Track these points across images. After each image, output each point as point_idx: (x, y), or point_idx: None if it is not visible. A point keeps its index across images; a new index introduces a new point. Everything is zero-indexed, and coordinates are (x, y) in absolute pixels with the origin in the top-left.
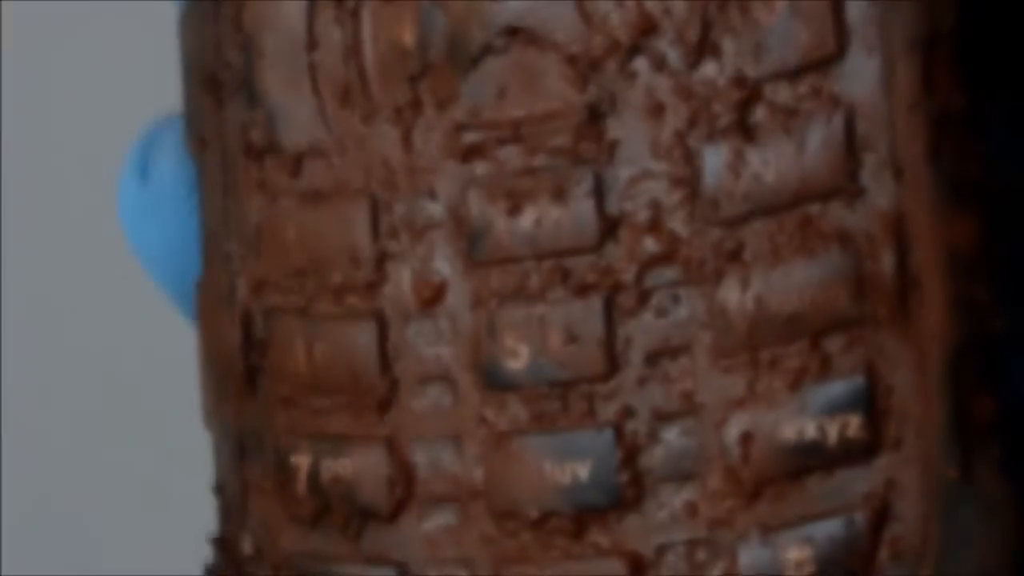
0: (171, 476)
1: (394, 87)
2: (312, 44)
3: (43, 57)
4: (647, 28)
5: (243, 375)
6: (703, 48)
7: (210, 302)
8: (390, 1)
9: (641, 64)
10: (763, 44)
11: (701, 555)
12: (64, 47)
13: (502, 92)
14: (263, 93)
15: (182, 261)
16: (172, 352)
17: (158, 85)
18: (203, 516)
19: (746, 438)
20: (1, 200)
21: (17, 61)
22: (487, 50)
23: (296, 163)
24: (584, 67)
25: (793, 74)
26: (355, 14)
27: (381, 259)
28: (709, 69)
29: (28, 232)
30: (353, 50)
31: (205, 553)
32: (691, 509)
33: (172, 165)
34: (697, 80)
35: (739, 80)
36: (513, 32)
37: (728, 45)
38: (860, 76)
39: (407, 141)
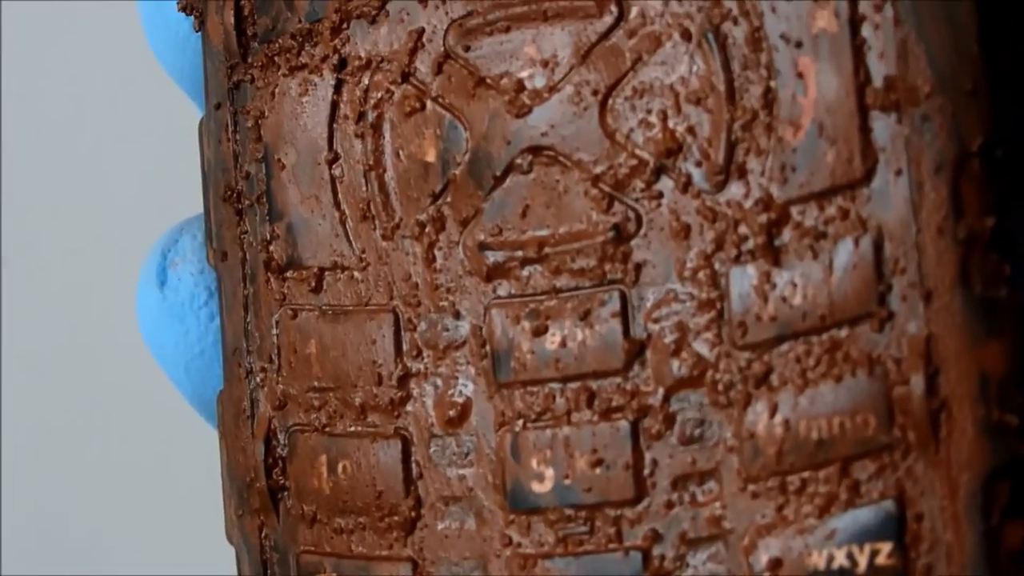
0: (169, 476)
1: (416, 203)
2: (333, 158)
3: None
4: (672, 148)
5: (266, 491)
6: (729, 168)
7: (232, 416)
8: (411, 116)
9: (666, 184)
10: (789, 164)
11: None
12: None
13: (525, 211)
14: (283, 207)
15: (202, 368)
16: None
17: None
18: (203, 516)
19: (775, 564)
20: (1, 200)
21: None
22: (510, 168)
23: (318, 278)
24: (609, 186)
25: (820, 196)
26: (376, 128)
27: (404, 377)
28: (735, 190)
29: (28, 231)
30: (375, 165)
31: (204, 553)
32: None
33: (191, 271)
34: (723, 201)
35: (766, 202)
36: (536, 150)
37: (754, 165)
38: (888, 198)
39: (430, 258)
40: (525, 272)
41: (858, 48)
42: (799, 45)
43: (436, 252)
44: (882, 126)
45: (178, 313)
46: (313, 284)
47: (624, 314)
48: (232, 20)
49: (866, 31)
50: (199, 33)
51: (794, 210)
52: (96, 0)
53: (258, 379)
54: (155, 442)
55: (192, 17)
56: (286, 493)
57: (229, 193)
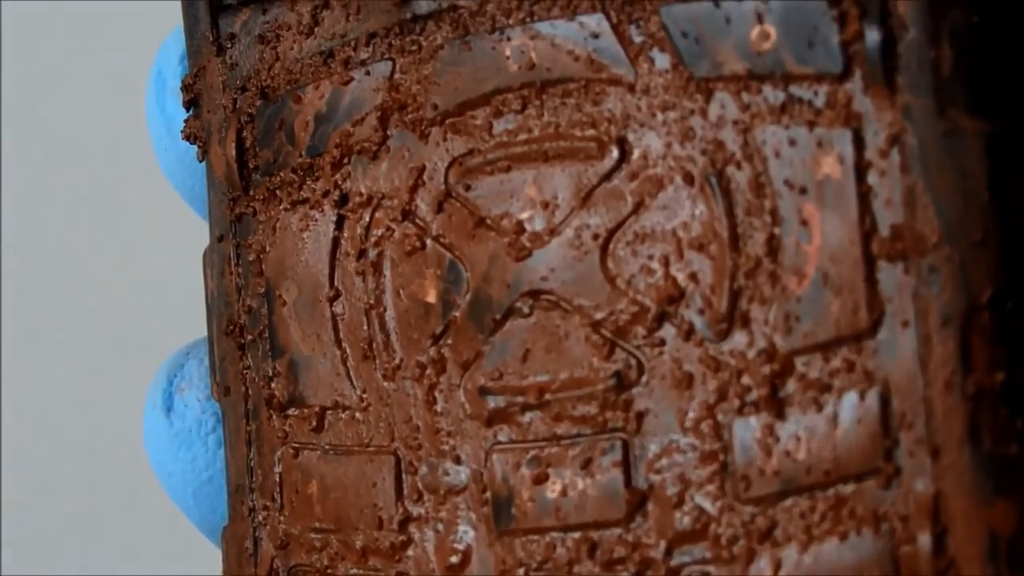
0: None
1: (417, 344)
2: (334, 295)
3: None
4: (674, 295)
5: None
6: (732, 317)
7: (235, 554)
8: (412, 255)
9: (668, 332)
10: (794, 314)
11: None
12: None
13: (526, 355)
14: (285, 343)
15: (211, 494)
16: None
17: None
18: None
19: None
20: (1, 200)
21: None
22: (510, 312)
23: (319, 417)
24: (610, 333)
25: (825, 347)
26: (377, 267)
27: (405, 521)
28: (738, 340)
29: (27, 231)
30: (375, 304)
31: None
32: None
33: (198, 397)
34: (726, 351)
35: (770, 352)
36: (536, 294)
37: (757, 314)
38: (895, 351)
39: (430, 401)
40: (526, 418)
41: (864, 195)
42: (803, 191)
43: (437, 395)
44: (889, 276)
45: (185, 440)
46: (315, 423)
47: (626, 464)
48: (234, 152)
49: (872, 178)
50: (202, 162)
51: (798, 361)
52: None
53: (260, 517)
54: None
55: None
56: None
57: (231, 327)
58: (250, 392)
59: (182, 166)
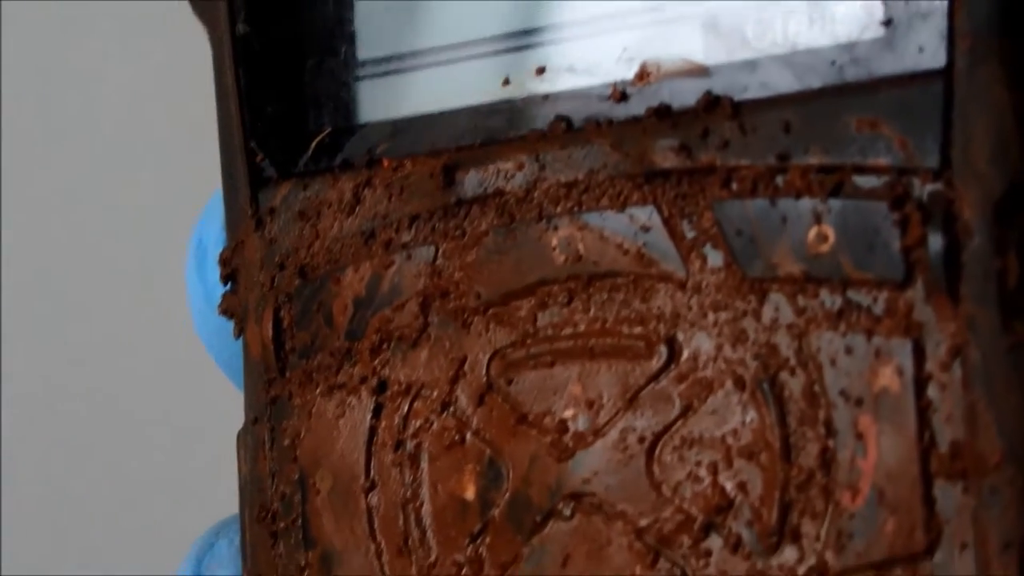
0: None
1: (454, 543)
2: (370, 486)
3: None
4: (722, 505)
5: None
6: (782, 531)
7: None
8: (450, 449)
9: (715, 542)
10: (847, 531)
11: None
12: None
13: (566, 560)
14: (318, 534)
15: None
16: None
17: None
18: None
19: None
20: (1, 200)
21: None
22: (551, 514)
23: None
24: (654, 541)
25: (879, 567)
26: (414, 459)
27: None
28: (788, 555)
29: (28, 229)
30: (412, 498)
31: None
32: None
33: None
34: (775, 565)
35: (820, 570)
36: (579, 497)
37: (809, 529)
38: (952, 574)
39: None
40: None
41: (923, 410)
42: (859, 403)
43: None
44: (947, 496)
45: None
46: None
47: None
48: (270, 333)
49: (932, 392)
50: (238, 339)
51: None
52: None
53: None
54: (155, 442)
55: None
56: None
57: (263, 514)
58: None
59: (220, 338)
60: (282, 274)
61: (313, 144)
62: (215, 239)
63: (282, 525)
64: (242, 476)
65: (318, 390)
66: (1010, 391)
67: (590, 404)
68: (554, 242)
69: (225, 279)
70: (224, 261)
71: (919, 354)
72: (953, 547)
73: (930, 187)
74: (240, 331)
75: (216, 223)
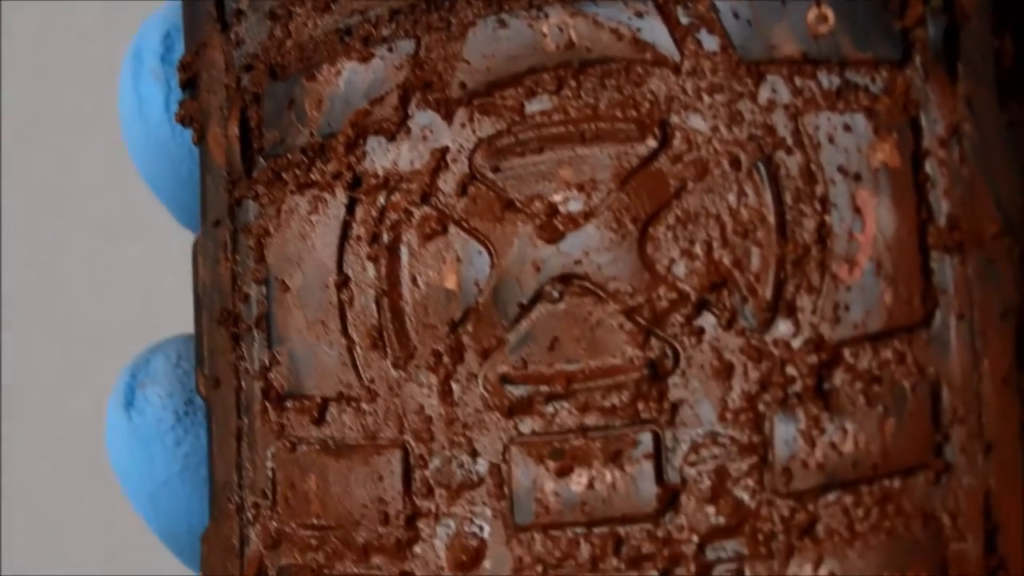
0: None
1: (433, 332)
2: (343, 281)
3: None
4: (716, 281)
5: None
6: (777, 306)
7: (218, 555)
8: (431, 239)
9: (708, 320)
10: (843, 304)
11: None
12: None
13: (553, 343)
14: (285, 331)
15: (167, 499)
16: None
17: None
18: None
19: None
20: (1, 201)
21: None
22: (538, 297)
23: (320, 409)
24: (645, 321)
25: (876, 338)
26: (392, 251)
27: (413, 517)
28: (783, 329)
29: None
30: (389, 290)
31: None
32: None
33: (159, 393)
34: (770, 340)
35: (816, 343)
36: (568, 279)
37: (805, 303)
38: (948, 344)
39: (446, 390)
40: (550, 408)
41: (921, 184)
42: (858, 178)
43: (453, 384)
44: (943, 267)
45: (143, 437)
46: (315, 415)
47: (657, 456)
48: (237, 132)
49: (930, 167)
50: (197, 146)
51: (847, 352)
52: None
53: (249, 515)
54: None
55: (181, 126)
56: None
57: (225, 316)
58: (243, 384)
59: (151, 148)
60: (250, 75)
61: None
62: (153, 49)
63: (244, 326)
64: (199, 283)
65: (288, 188)
66: (1007, 167)
67: (581, 187)
68: (545, 30)
69: (184, 84)
70: (184, 66)
71: (917, 131)
72: (950, 317)
73: None
74: (200, 137)
75: (156, 33)
